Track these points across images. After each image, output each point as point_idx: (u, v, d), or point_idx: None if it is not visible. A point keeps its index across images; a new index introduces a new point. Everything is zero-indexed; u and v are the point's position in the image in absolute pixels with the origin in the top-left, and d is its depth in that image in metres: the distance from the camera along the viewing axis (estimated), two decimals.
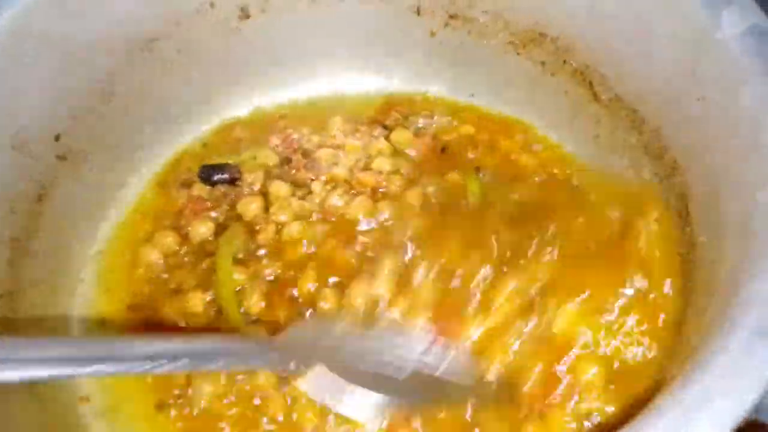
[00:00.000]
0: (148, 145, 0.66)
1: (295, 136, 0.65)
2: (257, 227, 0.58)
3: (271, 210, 0.59)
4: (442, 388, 0.47)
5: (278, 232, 0.57)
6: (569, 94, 0.64)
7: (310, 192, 0.60)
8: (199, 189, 0.62)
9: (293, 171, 0.62)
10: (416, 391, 0.47)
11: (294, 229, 0.57)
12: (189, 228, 0.59)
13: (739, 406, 0.31)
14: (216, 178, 0.62)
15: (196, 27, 0.64)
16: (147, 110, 0.64)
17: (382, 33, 0.70)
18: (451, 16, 0.67)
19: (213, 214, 0.60)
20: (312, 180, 0.61)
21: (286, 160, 0.63)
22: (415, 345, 0.48)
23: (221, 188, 0.62)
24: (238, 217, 0.60)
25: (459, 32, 0.68)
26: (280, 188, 0.60)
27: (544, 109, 0.67)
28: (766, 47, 0.45)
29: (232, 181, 0.62)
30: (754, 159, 0.43)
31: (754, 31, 0.46)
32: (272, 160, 0.64)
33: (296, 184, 0.61)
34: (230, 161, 0.64)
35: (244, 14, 0.67)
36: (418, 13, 0.68)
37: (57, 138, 0.58)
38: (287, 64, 0.70)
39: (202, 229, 0.59)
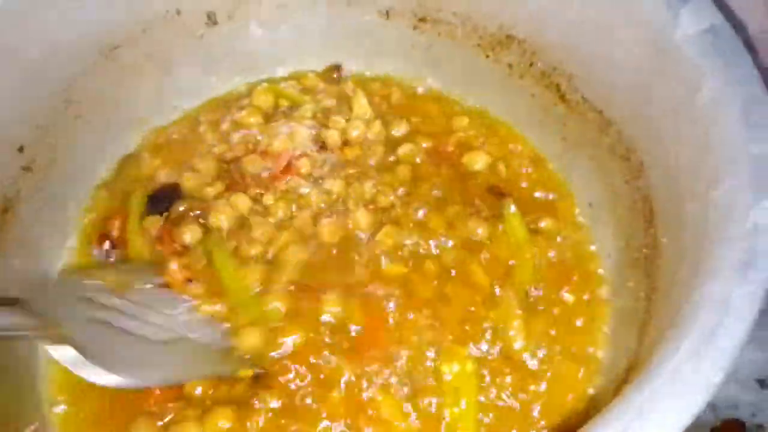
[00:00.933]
0: (111, 152, 0.65)
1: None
2: None
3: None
4: (201, 353, 0.51)
5: None
6: (536, 96, 0.64)
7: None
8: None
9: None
10: (173, 358, 0.50)
11: None
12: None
13: (684, 412, 0.31)
14: (164, 207, 0.60)
15: (161, 34, 0.64)
16: (109, 118, 0.64)
17: (351, 37, 0.70)
18: (420, 19, 0.67)
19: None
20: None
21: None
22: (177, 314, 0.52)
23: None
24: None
25: (428, 35, 0.68)
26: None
27: (513, 110, 0.67)
28: (722, 47, 0.45)
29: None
30: (709, 159, 0.42)
31: (710, 31, 0.46)
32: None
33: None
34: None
35: (212, 21, 0.67)
36: (387, 16, 0.68)
37: (21, 149, 0.57)
38: (253, 70, 0.70)
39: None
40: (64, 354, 0.46)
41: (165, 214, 0.60)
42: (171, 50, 0.66)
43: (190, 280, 0.55)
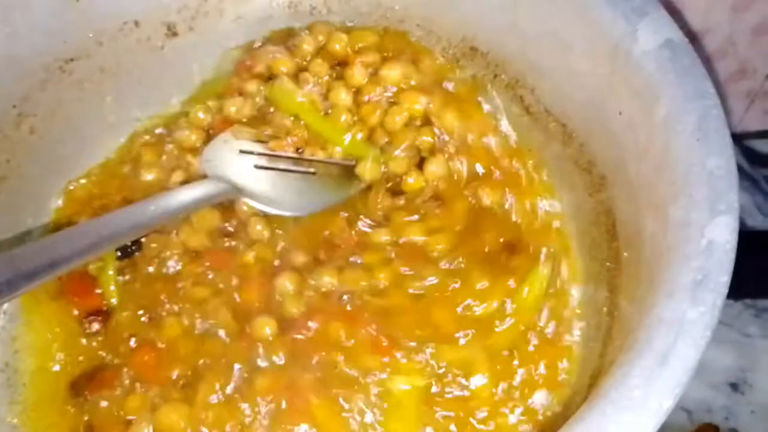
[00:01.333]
0: (65, 168, 0.64)
1: None
2: None
3: None
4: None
5: None
6: (502, 108, 0.63)
7: None
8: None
9: None
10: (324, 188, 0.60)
11: None
12: None
13: None
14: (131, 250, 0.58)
15: (118, 46, 0.62)
16: (65, 133, 0.62)
17: None
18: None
19: None
20: None
21: None
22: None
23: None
24: None
25: None
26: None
27: None
28: (679, 62, 0.45)
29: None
30: (666, 174, 0.42)
31: (668, 45, 0.46)
32: None
33: None
34: None
35: (171, 32, 0.65)
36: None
37: None
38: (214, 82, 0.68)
39: None
40: (255, 205, 0.57)
41: None
42: (129, 63, 0.64)
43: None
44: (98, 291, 0.57)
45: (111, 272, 0.57)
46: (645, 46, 0.46)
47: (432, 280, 0.53)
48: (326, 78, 0.61)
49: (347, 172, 0.60)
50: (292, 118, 0.61)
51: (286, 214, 0.58)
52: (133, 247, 0.58)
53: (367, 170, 0.59)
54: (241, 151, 0.60)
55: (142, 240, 0.57)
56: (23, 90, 0.58)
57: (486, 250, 0.55)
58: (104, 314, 0.56)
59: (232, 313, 0.52)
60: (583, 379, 0.51)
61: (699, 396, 0.63)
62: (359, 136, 0.60)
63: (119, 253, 0.58)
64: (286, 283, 0.53)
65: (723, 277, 0.35)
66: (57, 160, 0.63)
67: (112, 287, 0.57)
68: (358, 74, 0.60)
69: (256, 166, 0.59)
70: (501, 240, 0.55)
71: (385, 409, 0.48)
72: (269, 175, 0.59)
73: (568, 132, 0.57)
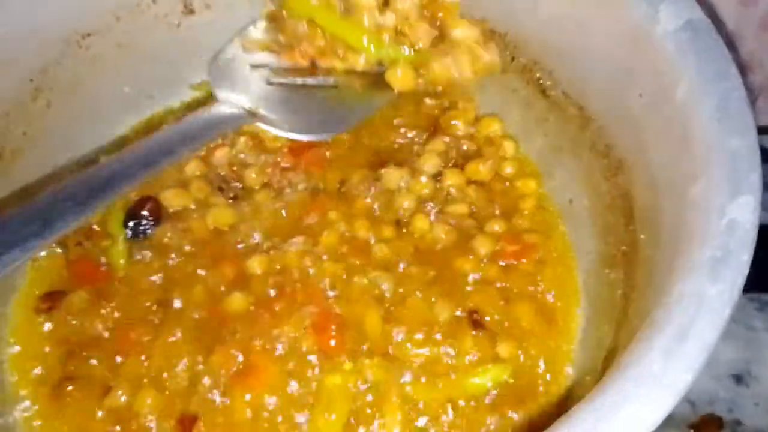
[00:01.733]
0: (80, 143, 0.64)
1: None
2: None
3: None
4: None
5: None
6: (518, 91, 0.63)
7: None
8: None
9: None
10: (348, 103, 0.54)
11: None
12: None
13: (654, 412, 0.30)
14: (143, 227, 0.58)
15: (135, 22, 0.62)
16: (81, 108, 0.62)
17: None
18: None
19: None
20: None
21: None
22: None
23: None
24: None
25: None
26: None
27: (494, 105, 0.66)
28: (700, 43, 0.44)
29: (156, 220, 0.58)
30: (686, 155, 0.42)
31: (689, 26, 0.45)
32: None
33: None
34: None
35: (188, 10, 0.65)
36: None
37: None
38: None
39: None
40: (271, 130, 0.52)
41: None
42: (146, 40, 0.64)
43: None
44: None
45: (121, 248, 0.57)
46: (666, 26, 0.46)
47: None
48: None
49: (375, 81, 0.53)
50: (306, 24, 0.54)
51: (308, 137, 0.52)
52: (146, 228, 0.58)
53: (399, 78, 0.52)
54: (252, 66, 0.54)
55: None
56: (41, 63, 0.58)
57: None
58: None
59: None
60: (595, 361, 0.51)
61: (702, 388, 0.63)
62: (386, 38, 0.52)
63: (130, 233, 0.58)
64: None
65: (744, 256, 0.35)
66: (72, 135, 0.63)
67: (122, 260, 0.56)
68: None
69: (269, 83, 0.53)
70: None
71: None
72: (285, 92, 0.53)
73: (586, 115, 0.57)
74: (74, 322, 0.53)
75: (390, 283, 0.52)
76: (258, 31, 0.58)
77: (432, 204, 0.58)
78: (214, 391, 0.49)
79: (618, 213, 0.54)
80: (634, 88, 0.49)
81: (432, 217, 0.57)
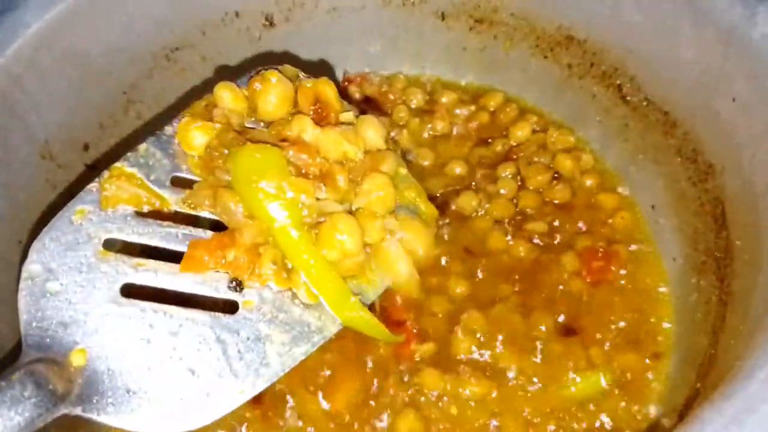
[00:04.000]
0: None
1: None
2: None
3: None
4: None
5: None
6: (597, 97, 0.63)
7: None
8: None
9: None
10: None
11: None
12: None
13: None
14: None
15: (219, 36, 0.65)
16: (168, 119, 0.64)
17: (404, 39, 0.70)
18: (477, 21, 0.67)
19: None
20: None
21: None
22: None
23: None
24: None
25: (484, 36, 0.67)
26: None
27: (572, 111, 0.66)
28: None
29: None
30: None
31: None
32: None
33: None
34: None
35: (269, 23, 0.67)
36: (443, 18, 0.68)
37: (86, 148, 0.58)
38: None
39: None
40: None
41: None
42: (228, 52, 0.66)
43: None
44: None
45: None
46: (765, 29, 0.45)
47: None
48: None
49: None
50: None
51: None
52: None
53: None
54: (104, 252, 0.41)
55: None
56: (133, 77, 0.61)
57: None
58: None
59: None
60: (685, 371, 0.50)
61: None
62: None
63: None
64: None
65: None
66: None
67: None
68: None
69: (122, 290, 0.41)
70: None
71: None
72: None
73: (671, 120, 0.56)
74: None
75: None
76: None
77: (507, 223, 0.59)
78: None
79: (708, 219, 0.53)
80: (727, 91, 0.49)
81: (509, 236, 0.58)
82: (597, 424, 0.48)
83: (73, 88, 0.56)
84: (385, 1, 0.68)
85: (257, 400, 0.47)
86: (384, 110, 0.69)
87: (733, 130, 0.49)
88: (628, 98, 0.60)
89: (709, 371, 0.46)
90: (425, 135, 0.67)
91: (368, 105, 0.70)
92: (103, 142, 0.60)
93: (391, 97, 0.70)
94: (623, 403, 0.49)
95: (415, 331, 0.50)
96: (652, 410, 0.49)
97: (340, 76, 0.72)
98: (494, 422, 0.48)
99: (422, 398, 0.49)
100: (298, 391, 0.50)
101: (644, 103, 0.59)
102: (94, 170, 0.59)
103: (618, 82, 0.61)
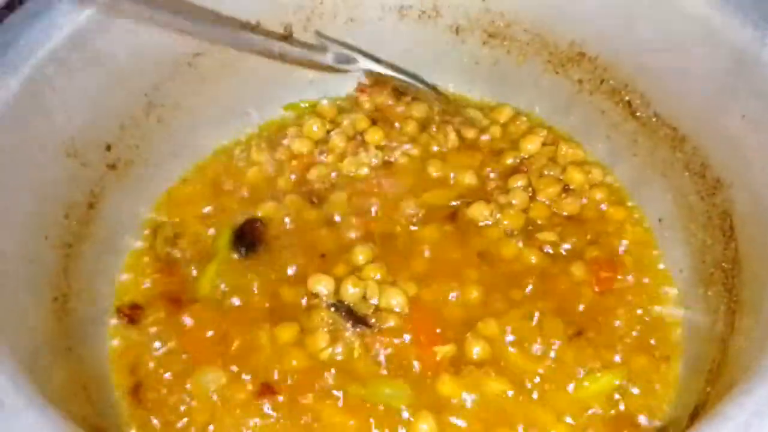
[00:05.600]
0: (186, 155, 0.68)
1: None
2: None
3: None
4: None
5: None
6: (606, 113, 0.65)
7: None
8: None
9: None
10: None
11: None
12: None
13: None
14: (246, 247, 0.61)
15: None
16: (187, 122, 0.66)
17: (420, 52, 0.71)
18: (490, 35, 0.69)
19: None
20: None
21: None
22: None
23: None
24: None
25: (497, 51, 0.69)
26: None
27: (582, 126, 0.68)
28: None
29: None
30: None
31: None
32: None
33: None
34: None
35: (287, 32, 0.69)
36: (457, 32, 0.70)
37: (108, 148, 0.59)
38: (324, 80, 0.71)
39: None
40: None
41: None
42: (247, 60, 0.67)
43: None
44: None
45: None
46: None
47: None
48: None
49: None
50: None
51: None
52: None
53: None
54: None
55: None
56: (155, 80, 0.62)
57: None
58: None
59: None
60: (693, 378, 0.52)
61: None
62: None
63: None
64: None
65: None
66: (176, 148, 0.67)
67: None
68: None
69: None
70: None
71: None
72: None
73: (679, 136, 0.58)
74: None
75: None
76: None
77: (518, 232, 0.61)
78: None
79: (716, 231, 0.55)
80: (736, 108, 0.51)
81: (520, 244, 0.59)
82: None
83: (100, 89, 0.57)
84: (402, 13, 0.69)
85: None
86: (393, 121, 0.71)
87: (742, 146, 0.51)
88: (638, 114, 0.62)
89: (718, 377, 0.47)
90: (434, 148, 0.68)
91: (378, 115, 0.72)
92: (123, 143, 0.61)
93: (401, 109, 0.72)
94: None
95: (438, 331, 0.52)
96: (662, 414, 0.50)
97: (353, 84, 0.73)
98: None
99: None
100: None
101: (653, 119, 0.61)
102: (113, 170, 0.60)
103: (627, 98, 0.63)
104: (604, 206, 0.63)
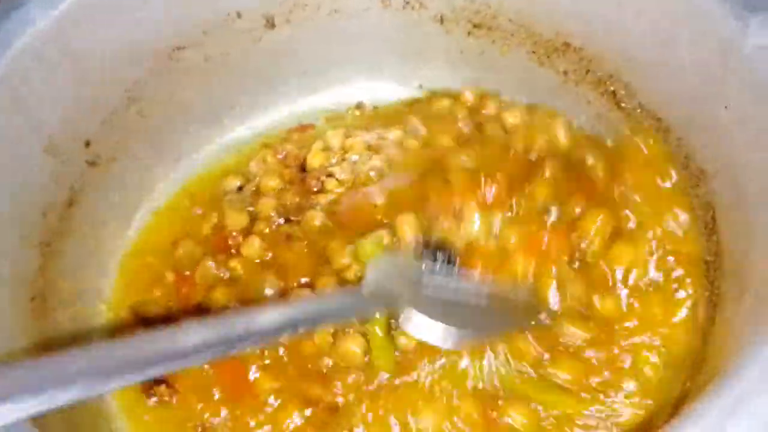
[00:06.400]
0: (170, 151, 0.67)
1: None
2: None
3: None
4: (514, 310, 0.50)
5: None
6: (592, 103, 0.64)
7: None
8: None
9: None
10: (495, 316, 0.50)
11: None
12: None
13: None
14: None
15: (222, 36, 0.65)
16: (170, 118, 0.65)
17: (405, 42, 0.71)
18: (475, 26, 0.68)
19: None
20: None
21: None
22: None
23: None
24: None
25: (482, 41, 0.69)
26: None
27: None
28: None
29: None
30: None
31: None
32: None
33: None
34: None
35: (270, 24, 0.68)
36: (441, 21, 0.69)
37: (87, 144, 0.59)
38: (309, 73, 0.71)
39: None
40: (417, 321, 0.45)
41: None
42: (230, 53, 0.67)
43: None
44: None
45: None
46: (758, 41, 0.47)
47: None
48: None
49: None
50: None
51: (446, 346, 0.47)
52: None
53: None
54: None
55: None
56: (136, 75, 0.61)
57: None
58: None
59: None
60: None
61: None
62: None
63: None
64: None
65: None
66: (162, 144, 0.66)
67: None
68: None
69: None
70: None
71: None
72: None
73: (664, 127, 0.58)
74: None
75: None
76: None
77: None
78: None
79: (699, 223, 0.55)
80: (721, 100, 0.50)
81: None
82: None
83: (78, 84, 0.56)
84: (386, 3, 0.69)
85: None
86: None
87: (727, 137, 0.51)
88: (623, 104, 0.62)
89: (698, 371, 0.47)
90: None
91: None
92: (104, 139, 0.60)
93: None
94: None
95: None
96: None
97: (338, 77, 0.72)
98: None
99: None
100: None
101: (638, 110, 0.60)
102: (94, 167, 0.60)
103: (612, 88, 0.62)
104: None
